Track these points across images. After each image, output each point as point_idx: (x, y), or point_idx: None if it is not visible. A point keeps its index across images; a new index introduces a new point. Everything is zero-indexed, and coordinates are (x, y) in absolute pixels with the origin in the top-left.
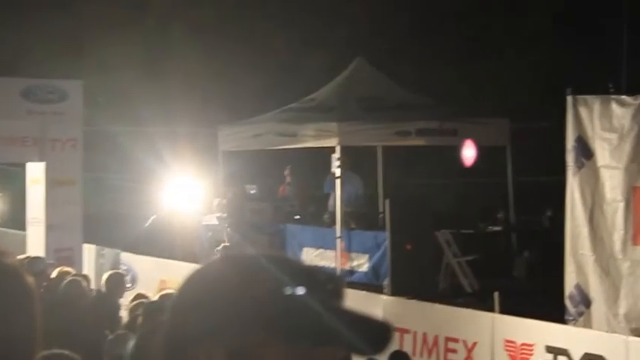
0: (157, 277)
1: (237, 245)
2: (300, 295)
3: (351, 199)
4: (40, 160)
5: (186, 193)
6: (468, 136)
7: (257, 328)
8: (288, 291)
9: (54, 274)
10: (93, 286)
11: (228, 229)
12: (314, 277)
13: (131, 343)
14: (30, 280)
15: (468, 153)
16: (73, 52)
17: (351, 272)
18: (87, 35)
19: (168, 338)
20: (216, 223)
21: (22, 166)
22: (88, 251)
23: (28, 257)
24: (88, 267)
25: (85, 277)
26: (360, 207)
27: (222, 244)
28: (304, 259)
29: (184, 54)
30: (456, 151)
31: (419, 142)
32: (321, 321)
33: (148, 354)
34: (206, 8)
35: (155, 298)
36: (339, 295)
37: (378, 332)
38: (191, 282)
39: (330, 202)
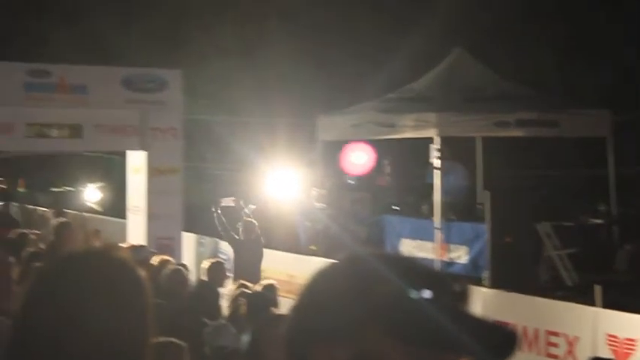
0: None
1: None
2: (426, 299)
3: (454, 190)
4: (141, 149)
5: (285, 183)
6: (567, 127)
7: (380, 332)
8: (413, 294)
9: (154, 263)
10: (192, 274)
11: (327, 220)
12: (439, 280)
13: (245, 338)
14: (142, 272)
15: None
16: (171, 42)
17: (450, 264)
18: (185, 24)
19: (290, 337)
20: (232, 205)
21: (123, 155)
22: (188, 240)
23: (132, 246)
24: (188, 256)
25: (184, 266)
26: (463, 198)
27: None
28: (402, 251)
29: (281, 44)
30: (555, 142)
31: (518, 133)
32: (445, 326)
33: (265, 349)
34: None
35: (257, 288)
36: (464, 299)
37: (503, 340)
38: (315, 282)
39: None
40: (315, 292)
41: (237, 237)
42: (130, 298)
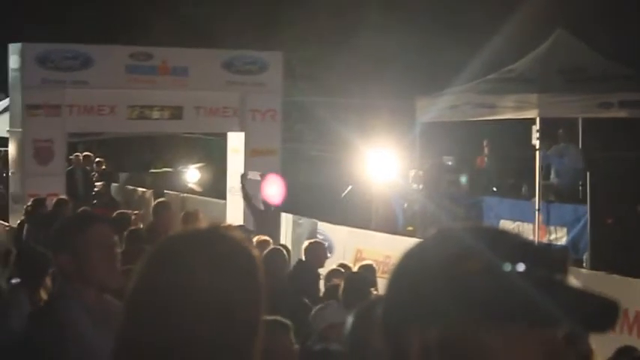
0: (353, 246)
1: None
2: (519, 272)
3: (568, 172)
4: (241, 130)
5: (383, 165)
6: None
7: (469, 312)
8: (505, 268)
9: (254, 243)
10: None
11: (424, 201)
12: (535, 251)
13: (349, 320)
14: (256, 251)
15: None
16: (271, 24)
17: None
18: (283, 6)
19: (384, 317)
20: (259, 178)
21: (222, 136)
22: (286, 220)
23: (231, 225)
24: (286, 236)
25: (285, 247)
26: (577, 181)
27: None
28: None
29: (380, 25)
30: None
31: (621, 114)
32: (538, 300)
33: (366, 333)
34: None
35: (355, 268)
36: (563, 270)
37: (602, 310)
38: (405, 261)
39: (552, 174)
40: (405, 272)
41: (260, 208)
42: (245, 276)
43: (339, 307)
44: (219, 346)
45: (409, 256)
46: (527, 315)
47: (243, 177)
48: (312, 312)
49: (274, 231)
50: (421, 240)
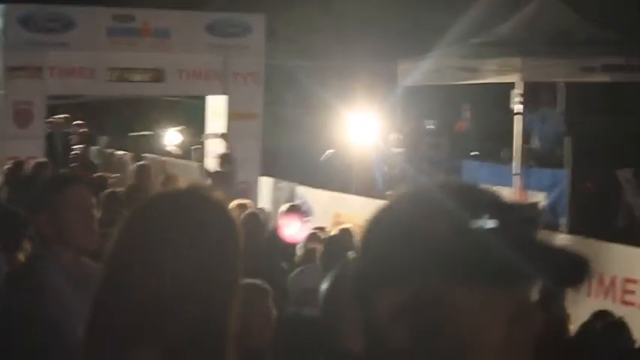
0: (332, 210)
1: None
2: (489, 229)
3: (550, 137)
4: (223, 93)
5: (364, 128)
6: None
7: (439, 272)
8: (475, 225)
9: (231, 207)
10: (269, 218)
11: (404, 165)
12: (507, 207)
13: (324, 285)
14: (234, 213)
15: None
16: None
17: None
18: None
19: (356, 281)
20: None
21: (203, 100)
22: (265, 184)
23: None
24: (265, 200)
25: (262, 210)
26: (559, 146)
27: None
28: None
29: None
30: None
31: (604, 78)
32: (509, 258)
33: (341, 296)
34: None
35: (333, 232)
36: (534, 226)
37: (575, 265)
38: (375, 222)
39: (533, 139)
40: (376, 234)
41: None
42: (222, 238)
43: (316, 271)
44: (196, 307)
45: (380, 218)
46: (502, 274)
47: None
48: (290, 276)
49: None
50: (391, 200)
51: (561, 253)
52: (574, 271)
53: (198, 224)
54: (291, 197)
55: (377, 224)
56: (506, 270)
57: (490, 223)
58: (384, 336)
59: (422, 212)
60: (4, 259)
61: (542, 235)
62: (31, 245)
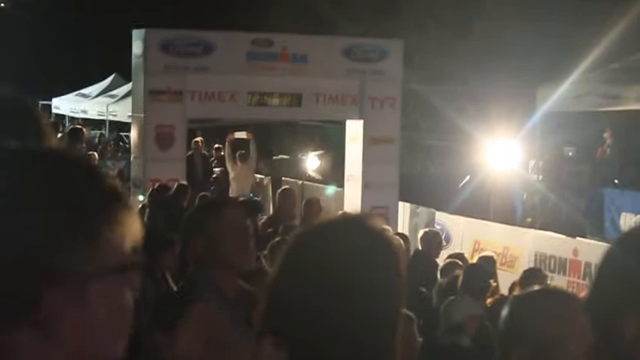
0: (471, 237)
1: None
2: None
3: None
4: (359, 117)
5: (502, 154)
6: None
7: None
8: None
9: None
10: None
11: (544, 192)
12: None
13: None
14: (397, 241)
15: None
16: (389, 12)
17: None
18: None
19: (592, 307)
20: (245, 137)
21: (339, 124)
22: (403, 209)
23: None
24: (403, 225)
25: (403, 235)
26: None
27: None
28: (622, 226)
29: (499, 12)
30: None
31: None
32: None
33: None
34: None
35: (473, 259)
36: None
37: None
38: (612, 256)
39: None
40: (613, 265)
41: (236, 163)
42: (386, 268)
43: (472, 299)
44: (360, 339)
45: (616, 250)
46: None
47: (229, 137)
48: (444, 304)
49: (249, 180)
50: (625, 234)
51: None
52: None
53: (360, 254)
54: (429, 223)
55: (613, 257)
56: None
57: None
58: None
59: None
60: (146, 276)
61: None
62: (184, 268)
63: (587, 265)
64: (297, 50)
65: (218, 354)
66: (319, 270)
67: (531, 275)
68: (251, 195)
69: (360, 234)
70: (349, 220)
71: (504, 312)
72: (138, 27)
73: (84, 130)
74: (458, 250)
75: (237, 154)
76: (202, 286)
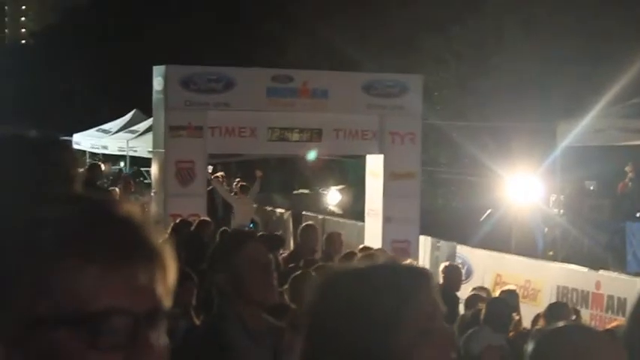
0: (492, 270)
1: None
2: None
3: None
4: (380, 152)
5: (523, 188)
6: None
7: None
8: None
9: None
10: None
11: (565, 225)
12: None
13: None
14: (433, 281)
15: None
16: (408, 47)
17: None
18: (422, 30)
19: (630, 340)
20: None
21: (358, 158)
22: (424, 243)
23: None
24: (424, 259)
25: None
26: None
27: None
28: None
29: (519, 48)
30: None
31: None
32: None
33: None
34: (539, 2)
35: (495, 293)
36: None
37: None
38: None
39: None
40: None
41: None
42: (413, 301)
43: (491, 330)
44: None
45: None
46: None
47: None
48: (464, 337)
49: (249, 212)
50: None
51: None
52: None
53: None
54: (450, 257)
55: None
56: None
57: None
58: None
59: None
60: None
61: None
62: (206, 302)
63: (610, 297)
64: (317, 85)
65: None
66: (350, 316)
67: (556, 309)
68: (251, 225)
69: (398, 277)
70: (381, 264)
71: (529, 346)
72: (158, 63)
73: (102, 165)
74: (479, 284)
75: (238, 186)
76: (227, 319)
